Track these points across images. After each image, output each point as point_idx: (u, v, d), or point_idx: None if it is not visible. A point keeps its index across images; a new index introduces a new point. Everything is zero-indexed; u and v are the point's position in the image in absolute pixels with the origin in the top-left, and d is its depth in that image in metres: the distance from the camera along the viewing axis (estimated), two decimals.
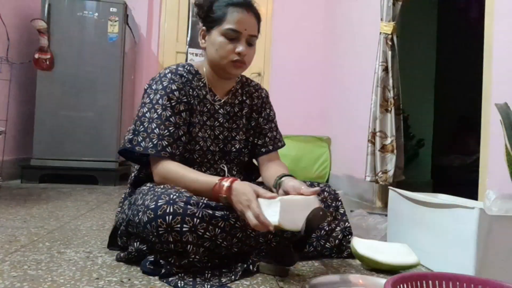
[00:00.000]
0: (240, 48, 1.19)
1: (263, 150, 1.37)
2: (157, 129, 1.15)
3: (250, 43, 1.22)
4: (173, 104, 1.18)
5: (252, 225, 0.98)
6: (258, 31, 1.25)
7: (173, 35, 3.98)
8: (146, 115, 1.18)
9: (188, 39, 3.92)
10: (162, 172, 1.15)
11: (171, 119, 1.17)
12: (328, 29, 3.98)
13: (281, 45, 4.07)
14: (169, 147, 1.15)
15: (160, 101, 1.17)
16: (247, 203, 1.00)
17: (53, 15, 3.03)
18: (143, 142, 1.15)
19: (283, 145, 1.42)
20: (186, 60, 3.85)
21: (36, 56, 2.98)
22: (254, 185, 1.06)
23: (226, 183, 1.05)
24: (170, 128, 1.16)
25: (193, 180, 1.11)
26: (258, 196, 1.02)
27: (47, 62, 3.00)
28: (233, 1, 1.20)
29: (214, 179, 1.09)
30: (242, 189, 1.03)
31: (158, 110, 1.17)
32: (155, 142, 1.14)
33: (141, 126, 1.17)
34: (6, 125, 2.80)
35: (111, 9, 3.12)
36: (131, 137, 1.19)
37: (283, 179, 1.18)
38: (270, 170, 1.31)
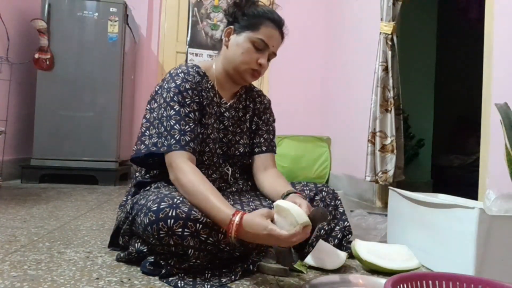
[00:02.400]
0: (263, 60, 1.21)
1: (256, 150, 1.37)
2: (177, 125, 1.13)
3: (269, 59, 1.25)
4: (187, 102, 1.17)
5: (290, 244, 0.96)
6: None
7: (173, 35, 3.98)
8: (163, 114, 1.16)
9: (188, 39, 3.92)
10: (178, 174, 1.08)
11: (190, 115, 1.16)
12: (328, 29, 3.98)
13: (281, 45, 4.06)
14: (192, 143, 1.13)
15: (175, 98, 1.16)
16: (269, 237, 0.94)
17: (53, 15, 3.03)
18: (166, 141, 1.13)
19: (275, 152, 1.40)
20: (186, 60, 3.85)
21: (36, 56, 2.98)
22: (259, 214, 0.98)
23: (235, 220, 0.97)
24: (191, 124, 1.15)
25: (205, 199, 1.01)
26: (270, 216, 0.98)
27: (47, 62, 3.00)
28: (271, 16, 1.22)
29: (229, 211, 0.98)
30: (254, 224, 0.96)
31: (175, 107, 1.15)
32: (177, 138, 1.12)
33: (162, 127, 1.15)
34: (6, 125, 2.80)
35: (111, 9, 3.12)
36: (155, 140, 1.16)
37: (290, 196, 1.15)
38: (270, 181, 1.29)
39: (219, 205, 1.00)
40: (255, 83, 1.44)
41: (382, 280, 0.94)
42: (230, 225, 0.96)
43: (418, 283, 0.81)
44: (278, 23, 1.24)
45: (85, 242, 1.37)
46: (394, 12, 2.45)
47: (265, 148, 1.37)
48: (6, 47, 2.88)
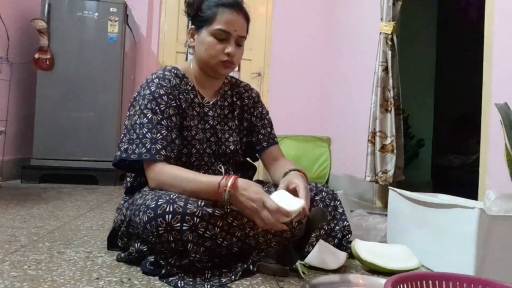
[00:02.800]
0: (229, 48, 1.20)
1: (258, 147, 1.38)
2: (149, 134, 1.14)
3: (239, 44, 1.23)
4: (162, 108, 1.17)
5: (269, 223, 1.00)
6: (247, 32, 1.27)
7: (173, 35, 3.98)
8: (137, 121, 1.17)
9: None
10: (157, 176, 1.12)
11: (162, 122, 1.16)
12: (328, 29, 3.98)
13: (281, 45, 4.07)
14: (163, 150, 1.13)
15: (148, 106, 1.16)
16: (260, 202, 1.00)
17: (53, 15, 3.03)
18: (137, 149, 1.14)
19: (277, 143, 1.42)
20: (186, 60, 3.85)
21: (36, 56, 2.98)
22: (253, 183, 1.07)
23: (229, 181, 1.03)
24: (163, 132, 1.15)
25: (191, 180, 1.08)
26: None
27: (47, 62, 3.00)
28: (223, 1, 1.21)
29: (216, 178, 1.06)
30: (249, 187, 1.04)
31: (148, 115, 1.16)
32: (148, 147, 1.13)
33: (134, 134, 1.16)
34: (6, 125, 2.80)
35: (111, 9, 3.12)
36: (126, 146, 1.18)
37: (289, 173, 1.19)
38: (279, 168, 1.30)
39: (206, 178, 1.08)
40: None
41: (382, 280, 0.94)
42: (220, 188, 1.02)
43: (418, 283, 0.81)
44: (235, 5, 1.21)
45: (85, 242, 1.37)
46: (394, 12, 2.45)
47: (265, 143, 1.38)
48: (6, 47, 2.88)
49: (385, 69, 2.45)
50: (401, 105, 2.54)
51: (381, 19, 2.49)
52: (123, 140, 1.21)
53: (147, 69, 3.86)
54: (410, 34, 3.41)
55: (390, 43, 2.44)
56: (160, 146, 1.13)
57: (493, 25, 1.69)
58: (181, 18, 3.99)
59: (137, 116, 1.17)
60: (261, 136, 1.38)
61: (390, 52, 2.44)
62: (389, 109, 2.44)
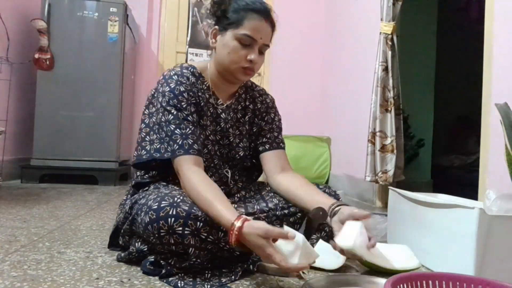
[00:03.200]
0: (252, 56, 1.16)
1: (260, 148, 1.34)
2: (177, 129, 1.12)
3: (262, 52, 1.20)
4: (184, 105, 1.15)
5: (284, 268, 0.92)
6: (271, 40, 1.22)
7: (173, 35, 3.97)
8: (162, 119, 1.15)
9: (188, 39, 3.92)
10: (184, 182, 1.08)
11: (188, 118, 1.14)
12: (328, 29, 3.98)
13: (281, 45, 4.07)
14: (195, 145, 1.12)
15: (171, 102, 1.14)
16: (264, 254, 0.91)
17: (53, 15, 3.03)
18: (169, 147, 1.12)
19: (283, 149, 1.37)
20: (186, 60, 3.85)
21: (36, 56, 2.98)
22: (263, 227, 0.93)
23: (236, 225, 0.94)
24: (190, 126, 1.13)
25: (210, 205, 1.00)
26: (269, 237, 0.93)
27: (47, 62, 3.00)
28: (254, 7, 1.16)
29: (230, 215, 0.96)
30: (252, 236, 0.92)
31: (172, 111, 1.13)
32: (180, 143, 1.11)
33: (163, 132, 1.14)
34: (6, 125, 2.80)
35: (111, 9, 3.12)
36: (158, 146, 1.15)
37: (339, 208, 1.13)
38: (297, 186, 1.23)
39: (221, 211, 0.97)
40: (257, 81, 1.42)
41: (382, 280, 0.94)
42: (231, 231, 0.93)
43: (418, 283, 0.81)
44: (264, 12, 1.17)
45: (85, 242, 1.36)
46: (394, 12, 2.44)
47: (268, 146, 1.33)
48: (6, 47, 2.88)
49: (385, 69, 2.45)
50: (401, 105, 2.54)
51: (381, 19, 2.49)
52: (146, 139, 1.18)
53: (147, 69, 3.86)
54: (410, 34, 3.41)
55: (390, 43, 2.44)
56: (191, 141, 1.12)
57: (493, 25, 1.69)
58: (181, 18, 3.99)
59: (161, 114, 1.15)
60: (265, 139, 1.34)
61: (390, 52, 2.44)
62: (389, 109, 2.44)
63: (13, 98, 2.97)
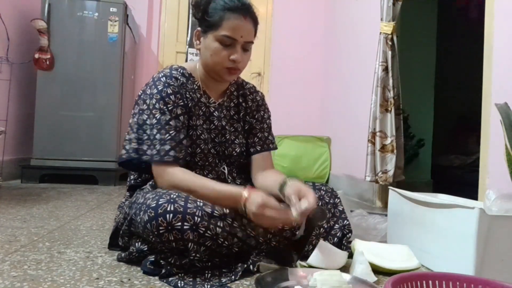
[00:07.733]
0: (235, 55, 1.17)
1: (251, 150, 1.35)
2: (158, 135, 1.14)
3: (246, 49, 1.20)
4: (169, 108, 1.16)
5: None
6: (255, 35, 1.23)
7: (173, 35, 3.98)
8: (147, 122, 1.16)
9: (188, 39, 3.92)
10: (171, 180, 1.12)
11: (170, 122, 1.15)
12: (328, 29, 3.98)
13: (281, 45, 4.07)
14: (172, 151, 1.13)
15: (157, 106, 1.15)
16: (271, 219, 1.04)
17: (53, 15, 3.03)
18: (149, 150, 1.14)
19: (275, 148, 1.40)
20: (186, 60, 3.85)
21: (36, 56, 2.98)
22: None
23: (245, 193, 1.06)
24: (171, 132, 1.15)
25: (211, 190, 1.10)
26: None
27: (47, 62, 3.00)
28: (230, 5, 1.16)
29: (238, 190, 1.08)
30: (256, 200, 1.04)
31: (156, 115, 1.15)
32: (158, 148, 1.13)
33: (144, 134, 1.16)
34: (6, 125, 2.80)
35: (111, 9, 3.12)
36: (136, 146, 1.17)
37: (286, 182, 1.16)
38: (268, 178, 1.28)
39: (226, 188, 1.10)
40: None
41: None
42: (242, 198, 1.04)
43: (418, 283, 0.81)
44: (242, 10, 1.16)
45: (85, 242, 1.37)
46: (394, 12, 2.45)
47: (259, 147, 1.35)
48: (6, 47, 2.88)
49: (385, 69, 2.45)
50: (401, 105, 2.54)
51: (381, 19, 2.49)
52: (130, 138, 1.19)
53: (147, 69, 3.86)
54: (410, 34, 3.41)
55: (390, 43, 2.44)
56: (169, 147, 1.13)
57: (493, 25, 1.69)
58: (181, 18, 4.00)
59: (146, 116, 1.16)
60: (257, 140, 1.36)
61: (390, 52, 2.44)
62: (389, 109, 2.44)
63: (13, 98, 2.97)
